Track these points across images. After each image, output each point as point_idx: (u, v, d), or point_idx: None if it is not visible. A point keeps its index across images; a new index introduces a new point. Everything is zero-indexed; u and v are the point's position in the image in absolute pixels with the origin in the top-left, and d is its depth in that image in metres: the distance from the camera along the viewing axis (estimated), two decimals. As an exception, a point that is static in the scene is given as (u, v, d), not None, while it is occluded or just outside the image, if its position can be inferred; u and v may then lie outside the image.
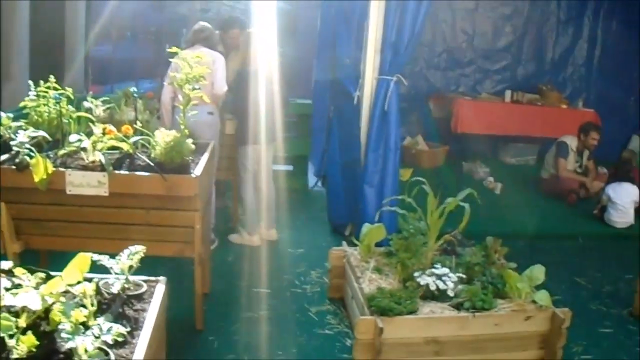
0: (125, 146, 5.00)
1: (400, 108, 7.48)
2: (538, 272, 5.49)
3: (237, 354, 5.16)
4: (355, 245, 6.12)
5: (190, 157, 5.13)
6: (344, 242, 6.33)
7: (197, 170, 4.92)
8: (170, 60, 5.54)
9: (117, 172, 4.73)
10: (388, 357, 4.79)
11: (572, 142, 10.81)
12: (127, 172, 4.79)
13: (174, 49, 5.33)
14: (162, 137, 4.97)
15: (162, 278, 3.94)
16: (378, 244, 6.07)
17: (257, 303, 6.06)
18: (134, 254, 3.70)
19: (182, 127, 5.16)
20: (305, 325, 5.69)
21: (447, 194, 5.84)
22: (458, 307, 5.05)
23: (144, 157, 4.91)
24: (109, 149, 4.94)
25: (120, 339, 2.93)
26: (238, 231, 7.73)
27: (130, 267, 3.68)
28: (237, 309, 5.91)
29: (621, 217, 9.43)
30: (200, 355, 5.14)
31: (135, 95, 6.32)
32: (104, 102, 5.97)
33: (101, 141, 4.87)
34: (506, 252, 6.15)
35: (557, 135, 11.22)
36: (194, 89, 5.18)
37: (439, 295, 5.16)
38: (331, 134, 8.20)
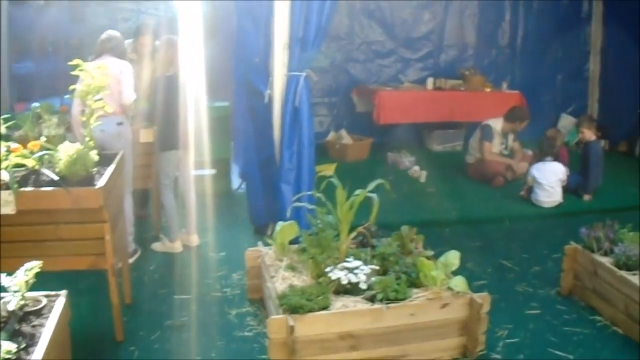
0: (29, 162, 4.98)
1: (316, 102, 7.52)
2: (453, 257, 5.51)
3: (156, 362, 5.17)
4: (271, 244, 6.14)
5: (96, 169, 5.13)
6: (260, 242, 6.35)
7: (101, 182, 4.91)
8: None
9: (22, 189, 4.70)
10: (303, 355, 4.79)
11: (496, 124, 10.92)
12: (32, 189, 4.77)
13: (77, 61, 5.33)
14: (65, 150, 4.96)
15: (62, 292, 3.95)
16: (294, 242, 6.09)
17: (178, 310, 6.03)
18: (29, 269, 3.70)
19: (87, 139, 5.18)
20: (225, 329, 5.68)
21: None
22: (372, 299, 5.04)
23: (48, 172, 4.90)
24: (14, 166, 4.91)
25: (11, 356, 2.93)
26: (160, 239, 7.71)
27: (27, 283, 3.67)
28: (158, 317, 5.88)
29: (548, 196, 9.53)
30: (119, 366, 5.12)
31: (37, 110, 6.30)
32: (5, 120, 5.92)
33: (5, 159, 4.85)
34: (425, 239, 6.20)
35: (483, 119, 11.30)
36: (96, 100, 5.17)
37: (352, 289, 5.14)
38: (247, 133, 8.20)
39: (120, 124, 6.85)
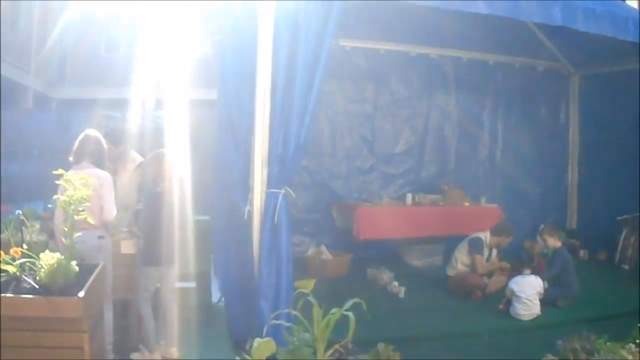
0: (10, 269, 5.04)
1: (297, 218, 7.61)
2: (427, 377, 5.57)
3: None
4: (250, 360, 6.14)
5: (76, 279, 5.18)
6: (237, 358, 6.34)
7: (82, 292, 4.96)
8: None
9: (2, 295, 4.74)
10: None
11: (485, 237, 11.02)
12: (11, 295, 4.83)
13: (60, 171, 5.43)
14: (47, 259, 5.02)
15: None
16: (271, 359, 6.09)
17: None
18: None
19: (69, 249, 5.25)
20: None
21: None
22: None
23: (29, 280, 4.96)
24: None
25: None
26: (139, 349, 7.68)
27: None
28: None
29: (527, 309, 9.53)
30: None
31: (20, 216, 6.36)
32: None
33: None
34: (401, 356, 6.22)
35: (462, 233, 11.48)
36: (78, 211, 5.27)
37: (330, 407, 5.18)
38: (227, 248, 8.27)
39: (101, 237, 6.89)
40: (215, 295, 10.13)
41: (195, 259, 8.52)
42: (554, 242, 10.36)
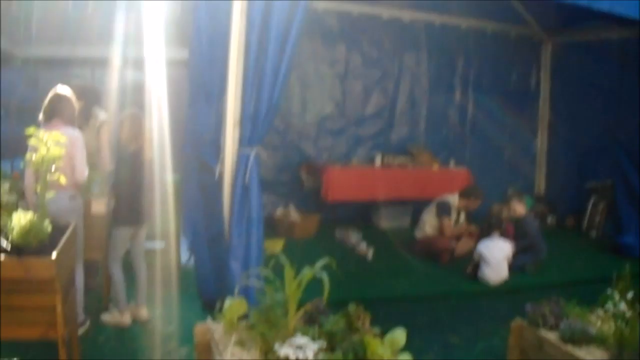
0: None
1: (267, 178, 7.60)
2: (399, 335, 5.56)
3: None
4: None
5: (48, 240, 5.15)
6: (209, 318, 6.35)
7: (54, 253, 4.93)
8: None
9: (-28, 257, 4.72)
10: None
11: (453, 200, 11.09)
12: (-20, 257, 4.78)
13: (32, 130, 5.38)
14: (19, 220, 4.99)
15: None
16: (244, 318, 6.12)
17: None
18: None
19: (41, 209, 5.21)
20: (174, 404, 5.69)
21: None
22: (319, 376, 5.10)
23: (1, 240, 4.92)
24: None
25: None
26: (110, 310, 7.68)
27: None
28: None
29: (494, 273, 9.61)
30: None
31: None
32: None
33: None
34: (372, 317, 6.25)
35: (431, 196, 11.56)
36: (50, 171, 5.23)
37: (300, 366, 5.20)
38: (197, 208, 8.25)
39: (72, 197, 6.81)
40: (184, 256, 10.13)
41: (165, 219, 8.50)
42: (521, 210, 10.43)
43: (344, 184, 12.41)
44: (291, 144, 13.57)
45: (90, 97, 8.06)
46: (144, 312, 7.74)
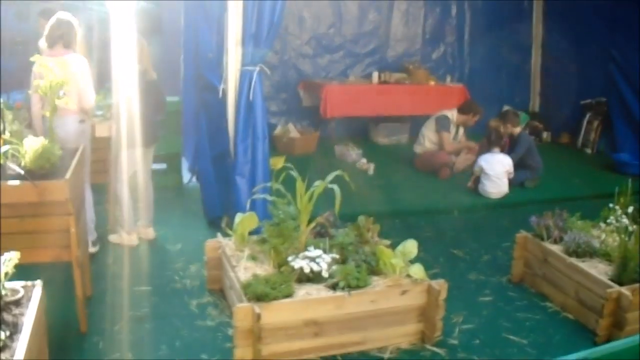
0: (-8, 157, 5.04)
1: (265, 97, 7.61)
2: (411, 246, 5.64)
3: (122, 352, 5.19)
4: (230, 236, 6.24)
5: (59, 163, 5.19)
6: (219, 234, 6.42)
7: (67, 175, 4.97)
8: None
9: (-14, 183, 4.75)
10: (268, 342, 4.89)
11: (452, 116, 11.11)
12: (-5, 183, 4.82)
13: (36, 57, 5.38)
14: (31, 145, 5.02)
15: (37, 282, 4.02)
16: (253, 233, 6.19)
17: (139, 302, 6.08)
18: (8, 260, 3.76)
19: (50, 134, 5.24)
20: (187, 319, 5.75)
21: (321, 179, 5.92)
22: (334, 287, 5.17)
23: (13, 166, 4.95)
24: None
25: (-1, 344, 3.01)
26: (117, 231, 7.74)
27: (6, 274, 3.73)
28: (119, 309, 5.92)
29: (495, 187, 9.68)
30: (86, 356, 5.15)
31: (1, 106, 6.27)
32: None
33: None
34: (379, 230, 6.32)
35: (427, 112, 11.63)
36: (58, 96, 5.24)
37: (314, 277, 5.28)
38: (200, 128, 8.26)
39: (82, 121, 6.79)
40: (186, 177, 10.17)
41: (164, 140, 8.51)
42: (515, 127, 10.46)
43: (342, 100, 12.43)
44: (288, 63, 13.54)
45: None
46: (150, 232, 7.80)
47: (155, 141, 7.64)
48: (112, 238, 7.66)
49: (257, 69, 7.45)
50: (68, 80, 5.42)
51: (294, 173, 5.90)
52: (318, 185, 5.78)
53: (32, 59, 5.52)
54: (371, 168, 11.07)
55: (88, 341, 5.37)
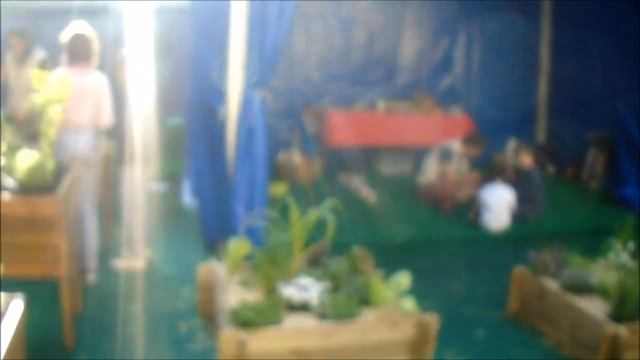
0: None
1: (267, 123, 7.59)
2: (404, 278, 5.59)
3: (106, 370, 5.21)
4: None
5: (55, 179, 5.19)
6: (213, 258, 6.38)
7: (60, 191, 4.96)
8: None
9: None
10: (253, 370, 4.83)
11: (456, 147, 11.01)
12: (-12, 196, 4.82)
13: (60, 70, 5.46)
14: (24, 158, 5.01)
15: (18, 294, 4.01)
16: (249, 258, 6.14)
17: (128, 321, 6.04)
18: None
19: (47, 149, 5.25)
20: (175, 342, 5.72)
21: (321, 206, 5.89)
22: (323, 316, 5.11)
23: (7, 179, 4.95)
24: None
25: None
26: (122, 254, 7.67)
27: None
28: (107, 327, 5.90)
29: (496, 220, 9.59)
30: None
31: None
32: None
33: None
34: (374, 260, 6.27)
35: (432, 142, 11.48)
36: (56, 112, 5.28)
37: (304, 306, 5.20)
38: (200, 150, 8.25)
39: (97, 138, 6.86)
40: (187, 198, 10.14)
41: (165, 160, 8.50)
42: (528, 162, 10.38)
43: (346, 128, 12.30)
44: (294, 89, 13.48)
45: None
46: (146, 253, 7.75)
47: (149, 160, 7.59)
48: (117, 262, 7.59)
49: (260, 93, 7.43)
50: (66, 96, 5.42)
51: (289, 199, 5.87)
52: (312, 212, 5.75)
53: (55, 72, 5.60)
54: (373, 197, 10.99)
55: (71, 357, 5.37)
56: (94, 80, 6.49)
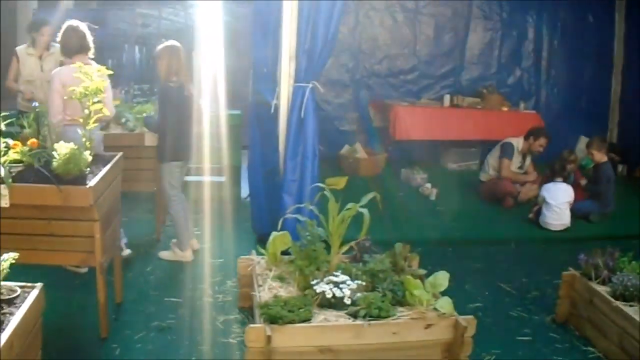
0: (26, 159, 5.12)
1: (317, 115, 7.55)
2: (442, 278, 5.45)
3: (135, 360, 5.22)
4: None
5: (89, 169, 5.22)
6: (254, 251, 6.35)
7: (93, 182, 4.98)
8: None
9: (15, 184, 4.78)
10: (280, 365, 4.77)
11: (517, 143, 10.85)
12: (24, 184, 4.91)
13: (78, 64, 5.47)
14: (60, 150, 5.06)
15: (38, 284, 4.04)
16: (287, 252, 6.09)
17: (167, 312, 6.10)
18: (5, 260, 3.79)
19: (84, 140, 5.29)
20: (210, 334, 5.71)
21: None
22: (355, 315, 5.01)
23: (42, 169, 5.00)
24: (12, 162, 5.12)
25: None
26: (170, 248, 7.68)
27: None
28: (145, 318, 5.96)
29: (556, 218, 9.39)
30: (98, 360, 5.19)
31: (38, 109, 6.33)
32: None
33: (4, 155, 4.98)
34: (422, 258, 6.16)
35: (499, 138, 11.30)
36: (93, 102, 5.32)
37: (336, 304, 5.12)
38: (253, 143, 8.25)
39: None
40: (245, 191, 10.15)
41: (225, 153, 8.53)
42: (601, 157, 10.09)
43: (412, 122, 12.21)
44: (360, 81, 13.45)
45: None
46: (194, 244, 7.77)
47: (191, 156, 7.63)
48: (164, 254, 7.63)
49: (310, 85, 7.40)
50: (103, 87, 5.45)
51: (328, 194, 5.80)
52: (350, 207, 5.67)
53: (73, 66, 5.61)
54: (434, 193, 10.90)
55: (105, 347, 5.42)
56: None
